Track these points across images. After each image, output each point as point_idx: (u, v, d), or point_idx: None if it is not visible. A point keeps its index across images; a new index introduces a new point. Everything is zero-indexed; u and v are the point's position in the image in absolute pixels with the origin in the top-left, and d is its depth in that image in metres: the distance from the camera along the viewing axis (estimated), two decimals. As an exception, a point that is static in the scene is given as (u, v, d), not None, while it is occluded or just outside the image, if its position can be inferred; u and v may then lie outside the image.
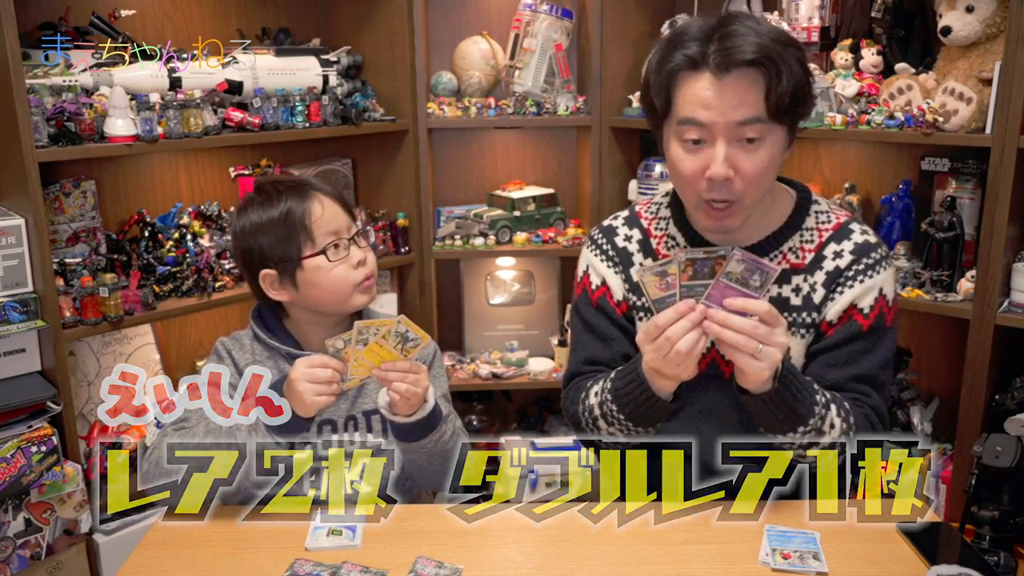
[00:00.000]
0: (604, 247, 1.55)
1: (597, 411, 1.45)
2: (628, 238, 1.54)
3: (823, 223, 1.45)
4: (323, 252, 1.46)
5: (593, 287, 1.55)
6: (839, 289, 1.41)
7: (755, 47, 1.27)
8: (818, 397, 1.33)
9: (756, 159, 1.30)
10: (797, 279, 1.43)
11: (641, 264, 1.46)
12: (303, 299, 1.50)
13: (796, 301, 1.43)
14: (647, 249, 1.52)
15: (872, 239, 1.45)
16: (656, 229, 1.52)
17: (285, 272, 1.48)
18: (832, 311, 1.41)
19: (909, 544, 1.28)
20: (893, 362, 1.48)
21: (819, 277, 1.42)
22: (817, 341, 1.43)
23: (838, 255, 1.42)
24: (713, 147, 1.30)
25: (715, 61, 1.28)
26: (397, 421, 1.42)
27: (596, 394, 1.45)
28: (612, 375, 1.44)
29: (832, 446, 1.35)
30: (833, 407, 1.35)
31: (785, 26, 2.44)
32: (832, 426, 1.34)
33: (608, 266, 1.54)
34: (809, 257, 1.43)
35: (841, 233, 1.44)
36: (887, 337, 1.43)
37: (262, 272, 1.50)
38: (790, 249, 1.44)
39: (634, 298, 1.52)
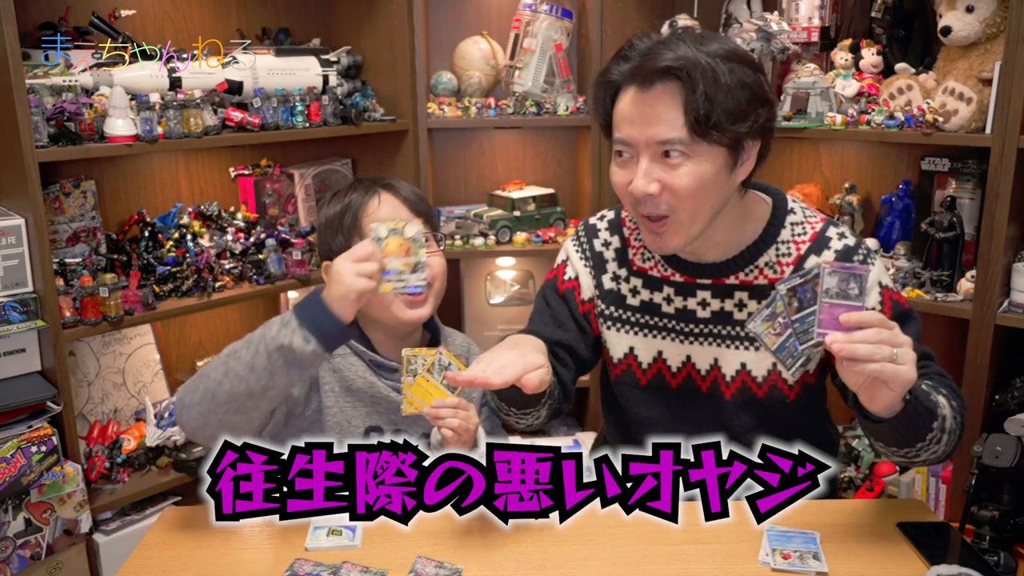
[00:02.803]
0: (584, 246, 1.56)
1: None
2: (606, 244, 1.54)
3: (799, 235, 1.42)
4: None
5: (565, 278, 1.56)
6: None
7: (675, 57, 1.24)
8: (923, 387, 1.26)
9: (681, 176, 1.27)
10: None
11: (750, 315, 1.33)
12: None
13: None
14: (623, 259, 1.51)
15: (851, 242, 1.42)
16: (635, 240, 1.51)
17: None
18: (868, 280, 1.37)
19: (909, 544, 1.28)
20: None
21: None
22: None
23: None
24: (638, 160, 1.29)
25: (640, 74, 1.26)
26: None
27: None
28: None
29: (951, 424, 1.28)
30: (929, 387, 1.29)
31: (786, 26, 2.44)
32: (943, 405, 1.28)
33: (584, 265, 1.55)
34: (788, 271, 1.41)
35: (819, 243, 1.41)
36: (911, 317, 1.40)
37: (324, 263, 1.50)
38: (766, 264, 1.41)
39: (602, 305, 1.52)
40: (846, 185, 2.52)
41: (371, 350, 1.51)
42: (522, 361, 1.25)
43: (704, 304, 1.44)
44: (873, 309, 1.37)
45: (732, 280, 1.42)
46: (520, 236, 2.77)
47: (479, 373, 1.21)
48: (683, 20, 2.59)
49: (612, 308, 1.51)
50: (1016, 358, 2.24)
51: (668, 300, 1.46)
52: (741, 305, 1.42)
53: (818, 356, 1.19)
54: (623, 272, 1.51)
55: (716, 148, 1.27)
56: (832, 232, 1.43)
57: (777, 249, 1.42)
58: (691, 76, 1.23)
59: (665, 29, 2.59)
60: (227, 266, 2.37)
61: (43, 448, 1.91)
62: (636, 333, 1.49)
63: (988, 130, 2.06)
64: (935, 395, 1.28)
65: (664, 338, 1.47)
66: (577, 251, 1.56)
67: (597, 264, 1.53)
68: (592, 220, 1.59)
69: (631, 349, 1.50)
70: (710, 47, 1.26)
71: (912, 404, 1.20)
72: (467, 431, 1.37)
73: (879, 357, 1.13)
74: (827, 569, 1.21)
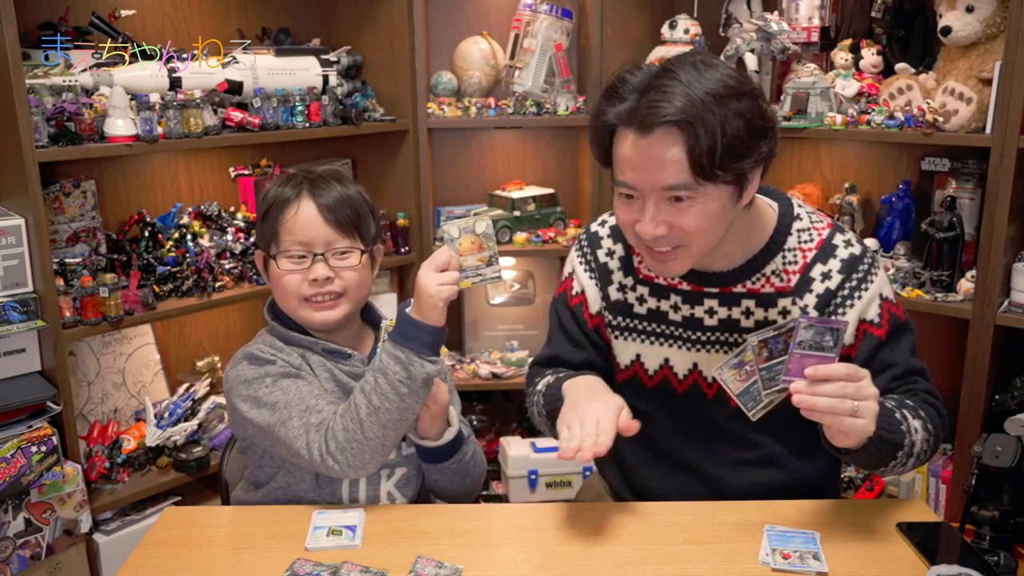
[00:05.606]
0: (588, 257, 1.55)
1: (536, 398, 1.52)
2: (610, 253, 1.53)
3: (805, 242, 1.42)
4: (274, 257, 1.44)
5: (573, 292, 1.56)
6: (839, 311, 1.39)
7: (677, 108, 1.21)
8: (897, 415, 1.30)
9: (689, 216, 1.27)
10: (784, 302, 1.41)
11: (720, 365, 1.33)
12: (273, 292, 1.51)
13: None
14: (628, 267, 1.51)
15: (856, 250, 1.42)
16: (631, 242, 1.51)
17: (264, 260, 1.49)
18: (845, 333, 1.39)
19: (909, 544, 1.28)
20: (917, 345, 1.45)
21: (810, 300, 1.40)
22: None
23: (826, 276, 1.40)
24: (644, 203, 1.28)
25: (639, 119, 1.24)
26: (426, 445, 1.44)
27: (544, 384, 1.52)
28: (560, 374, 1.50)
29: (922, 446, 1.33)
30: (906, 412, 1.32)
31: (786, 26, 2.44)
32: (916, 430, 1.32)
33: (589, 277, 1.54)
34: (795, 279, 1.41)
35: (825, 251, 1.41)
36: (906, 330, 1.42)
37: (258, 253, 1.51)
38: (773, 272, 1.41)
39: (610, 316, 1.52)
40: (846, 185, 2.52)
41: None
42: (609, 411, 1.29)
43: (711, 312, 1.44)
44: (872, 322, 1.39)
45: (739, 288, 1.42)
46: (520, 236, 2.77)
47: (588, 443, 1.24)
48: (683, 20, 2.59)
49: (619, 318, 1.51)
50: (1016, 358, 2.24)
51: (675, 308, 1.46)
52: (748, 313, 1.42)
53: (782, 398, 1.24)
54: (629, 281, 1.50)
55: (721, 185, 1.27)
56: (839, 239, 1.43)
57: (784, 257, 1.41)
58: (693, 125, 1.21)
59: (665, 29, 2.61)
60: (227, 266, 2.37)
61: (43, 448, 1.91)
62: (643, 341, 1.49)
63: (988, 130, 2.06)
64: (909, 422, 1.31)
65: (671, 346, 1.47)
66: (581, 263, 1.55)
67: (602, 275, 1.52)
68: (594, 227, 1.57)
69: (638, 356, 1.50)
70: (707, 84, 1.23)
71: (874, 443, 1.24)
72: (436, 403, 1.40)
73: (840, 411, 1.18)
74: (827, 569, 1.21)
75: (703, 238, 1.30)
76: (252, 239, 2.44)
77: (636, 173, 1.27)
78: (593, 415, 1.28)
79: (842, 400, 1.18)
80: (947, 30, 2.14)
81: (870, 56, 2.37)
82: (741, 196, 1.30)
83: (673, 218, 1.27)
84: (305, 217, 1.43)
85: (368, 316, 1.58)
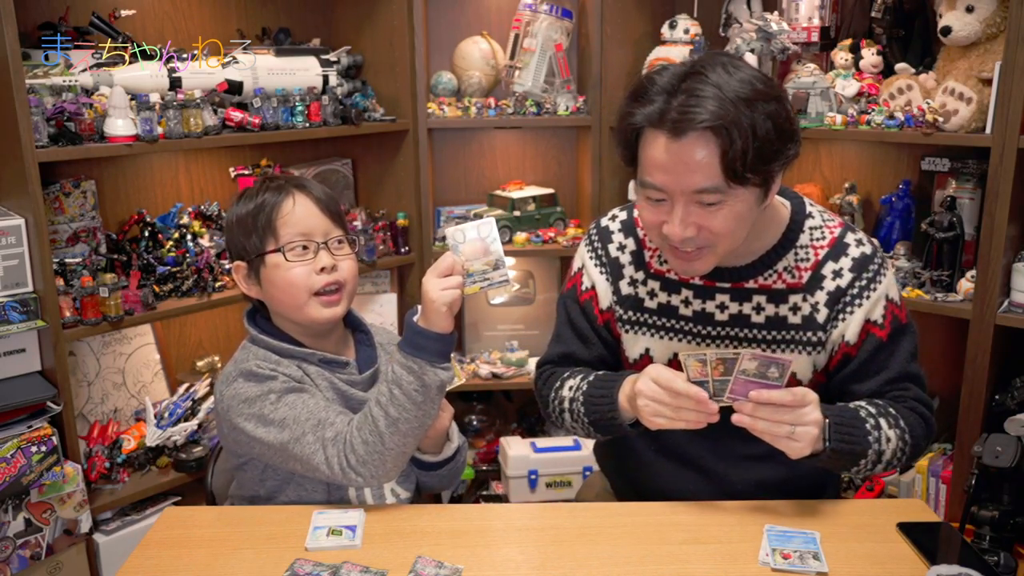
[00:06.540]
0: (599, 251, 1.55)
1: (566, 404, 1.49)
2: (622, 247, 1.53)
3: (817, 240, 1.43)
4: (280, 249, 1.43)
5: (583, 288, 1.55)
6: (848, 309, 1.41)
7: (711, 112, 1.20)
8: (868, 426, 1.33)
9: (719, 218, 1.28)
10: (795, 298, 1.42)
11: (688, 354, 1.36)
12: (266, 297, 1.49)
13: (795, 320, 1.42)
14: (639, 261, 1.51)
15: (867, 249, 1.43)
16: (651, 241, 1.50)
17: (252, 266, 1.47)
18: (849, 332, 1.41)
19: (909, 544, 1.28)
20: (918, 348, 1.47)
21: (820, 297, 1.41)
22: (845, 364, 1.43)
23: (837, 274, 1.41)
24: (673, 205, 1.29)
25: (671, 122, 1.23)
26: (425, 460, 1.47)
27: (570, 389, 1.49)
28: (591, 378, 1.47)
29: (894, 455, 1.37)
30: (883, 421, 1.35)
31: (786, 26, 2.44)
32: (888, 440, 1.35)
33: (600, 272, 1.54)
34: (806, 276, 1.42)
35: (837, 249, 1.43)
36: (907, 333, 1.44)
37: (235, 263, 1.50)
38: (785, 268, 1.42)
39: (620, 310, 1.52)
40: (846, 185, 2.52)
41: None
42: (653, 372, 1.33)
43: (722, 307, 1.44)
44: (876, 322, 1.41)
45: (751, 284, 1.43)
46: (520, 236, 2.77)
47: (684, 400, 1.29)
48: (683, 20, 2.59)
49: (630, 312, 1.51)
50: (1016, 358, 2.24)
51: (686, 303, 1.46)
52: (759, 308, 1.43)
53: (725, 406, 1.31)
54: (640, 275, 1.50)
55: (750, 187, 1.28)
56: (850, 238, 1.44)
57: (796, 254, 1.43)
58: (727, 129, 1.21)
59: (665, 29, 2.61)
60: (227, 266, 2.37)
61: (43, 448, 1.90)
62: (653, 335, 1.50)
63: (988, 130, 2.06)
64: (882, 431, 1.34)
65: (680, 340, 1.48)
66: (592, 258, 1.55)
67: (614, 270, 1.52)
68: (604, 222, 1.57)
69: (647, 350, 1.50)
70: (737, 86, 1.22)
71: (827, 454, 1.30)
72: (433, 428, 1.41)
73: (776, 434, 1.28)
74: (827, 569, 1.21)
75: (730, 239, 1.31)
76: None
77: (667, 176, 1.27)
78: (650, 386, 1.31)
79: (779, 424, 1.26)
80: (947, 30, 2.14)
81: (870, 56, 2.37)
82: (766, 197, 1.32)
83: (702, 220, 1.28)
84: (303, 209, 1.46)
85: (347, 318, 1.59)
